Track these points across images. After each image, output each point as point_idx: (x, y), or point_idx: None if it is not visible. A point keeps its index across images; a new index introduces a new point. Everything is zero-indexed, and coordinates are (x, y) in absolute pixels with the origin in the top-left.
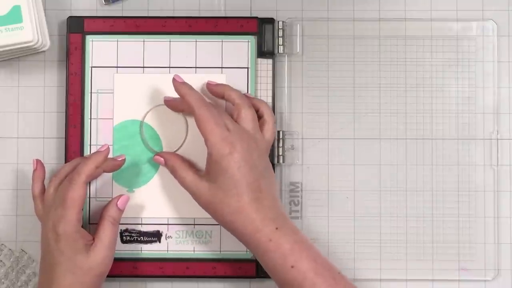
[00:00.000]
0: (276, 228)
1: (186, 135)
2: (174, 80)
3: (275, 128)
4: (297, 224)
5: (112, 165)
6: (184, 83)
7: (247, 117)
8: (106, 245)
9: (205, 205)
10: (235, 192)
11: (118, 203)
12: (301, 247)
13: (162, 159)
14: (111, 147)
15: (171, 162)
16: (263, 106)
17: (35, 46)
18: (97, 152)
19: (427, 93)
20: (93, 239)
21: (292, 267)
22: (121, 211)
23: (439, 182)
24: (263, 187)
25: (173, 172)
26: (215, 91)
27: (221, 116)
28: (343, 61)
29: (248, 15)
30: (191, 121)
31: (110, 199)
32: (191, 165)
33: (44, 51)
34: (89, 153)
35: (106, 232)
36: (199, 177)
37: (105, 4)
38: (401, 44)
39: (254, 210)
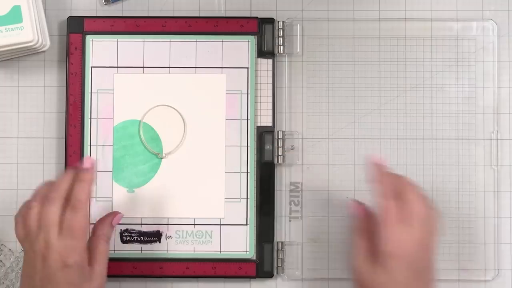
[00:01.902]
0: None
1: (185, 134)
2: (372, 161)
3: (424, 202)
4: (297, 224)
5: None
6: (381, 165)
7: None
8: (104, 266)
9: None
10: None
11: (113, 222)
12: None
13: None
14: (110, 148)
15: None
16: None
17: (35, 46)
18: (84, 170)
19: (427, 93)
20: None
21: None
22: (114, 228)
23: (439, 182)
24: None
25: None
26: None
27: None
28: (343, 61)
29: (248, 15)
30: (189, 120)
31: (110, 199)
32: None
33: (44, 51)
34: (89, 153)
35: (102, 254)
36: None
37: (105, 4)
38: (401, 44)
39: None
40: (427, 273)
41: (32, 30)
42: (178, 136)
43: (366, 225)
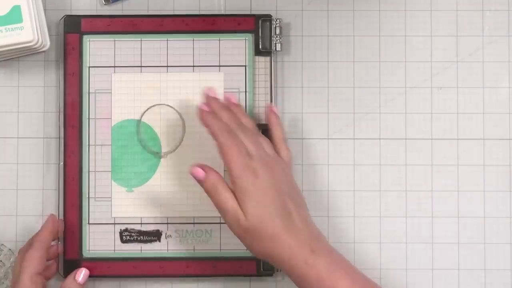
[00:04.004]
0: (312, 251)
1: (184, 133)
2: (200, 110)
3: (288, 147)
4: None
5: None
6: (208, 113)
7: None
8: None
9: (243, 234)
10: (268, 219)
11: (76, 276)
12: (338, 267)
13: (202, 172)
14: (109, 147)
15: (212, 178)
16: (273, 126)
17: (35, 46)
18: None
19: (427, 93)
20: None
21: None
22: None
23: (440, 182)
24: (293, 209)
25: (213, 190)
26: None
27: (244, 144)
28: (343, 60)
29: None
30: (187, 119)
31: (109, 198)
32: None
33: (44, 51)
34: (88, 152)
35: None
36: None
37: (104, 4)
38: (401, 43)
39: (288, 235)
40: None
41: (32, 30)
42: (177, 135)
43: None
